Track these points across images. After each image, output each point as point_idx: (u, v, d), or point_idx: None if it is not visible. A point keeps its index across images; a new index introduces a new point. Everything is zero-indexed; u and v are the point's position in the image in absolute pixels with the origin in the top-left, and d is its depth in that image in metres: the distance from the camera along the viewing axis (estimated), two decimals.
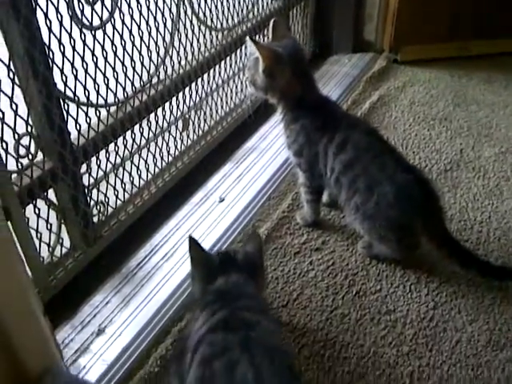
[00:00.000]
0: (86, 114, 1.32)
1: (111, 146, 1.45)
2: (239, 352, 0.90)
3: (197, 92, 1.79)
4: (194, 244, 1.14)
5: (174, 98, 1.67)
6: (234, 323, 0.97)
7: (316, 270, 1.45)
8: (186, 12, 1.61)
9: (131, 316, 1.33)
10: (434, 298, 1.36)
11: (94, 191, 1.43)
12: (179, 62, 1.64)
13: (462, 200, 1.67)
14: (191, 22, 1.65)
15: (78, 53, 1.24)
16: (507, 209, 1.64)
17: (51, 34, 1.16)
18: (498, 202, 1.67)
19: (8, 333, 0.86)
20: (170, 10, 1.53)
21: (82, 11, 1.21)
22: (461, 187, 1.73)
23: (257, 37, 2.03)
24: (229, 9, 1.84)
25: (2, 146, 1.09)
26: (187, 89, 1.72)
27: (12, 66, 1.10)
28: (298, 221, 1.60)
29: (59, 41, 1.18)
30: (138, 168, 1.56)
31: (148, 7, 1.43)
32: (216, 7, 1.77)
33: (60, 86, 1.22)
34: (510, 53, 2.53)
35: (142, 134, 1.55)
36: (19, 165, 1.17)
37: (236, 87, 2.01)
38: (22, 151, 1.17)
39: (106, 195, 1.47)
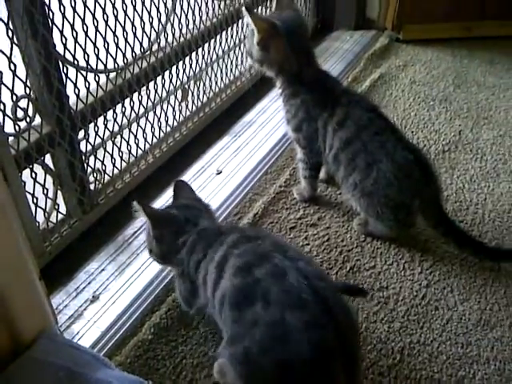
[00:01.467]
0: (85, 79, 1.30)
1: (109, 113, 1.43)
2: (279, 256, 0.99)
3: (197, 62, 1.76)
4: (146, 206, 1.14)
5: (174, 67, 1.65)
6: (251, 238, 1.07)
7: (311, 245, 1.45)
8: None
9: (126, 284, 1.33)
10: (427, 277, 1.37)
11: (92, 158, 1.42)
12: (180, 30, 1.62)
13: (458, 181, 1.68)
14: None
15: (78, 14, 1.21)
16: (503, 191, 1.64)
17: None
18: (495, 184, 1.67)
19: (3, 295, 0.85)
20: None
21: None
22: (458, 168, 1.73)
23: (260, 8, 2.00)
24: None
25: None
26: (187, 58, 1.70)
27: (11, 25, 1.07)
28: (294, 196, 1.60)
29: (59, 1, 1.15)
30: (135, 137, 1.55)
31: None
32: None
33: (60, 48, 1.20)
34: None
35: (140, 102, 1.53)
36: (16, 127, 1.15)
37: (236, 59, 1.99)
38: (20, 114, 1.16)
39: (103, 163, 1.46)
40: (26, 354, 0.92)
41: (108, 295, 1.30)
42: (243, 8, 1.35)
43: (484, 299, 1.32)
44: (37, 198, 1.26)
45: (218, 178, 1.68)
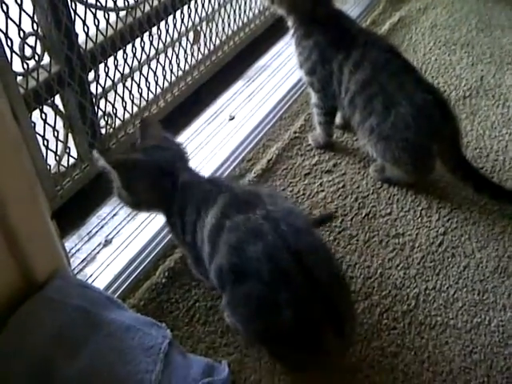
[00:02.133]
0: (95, 17, 1.25)
1: (120, 54, 1.38)
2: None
3: (209, 2, 1.69)
4: (108, 155, 1.08)
5: (186, 7, 1.58)
6: (240, 205, 0.99)
7: (326, 191, 1.43)
8: None
9: (138, 229, 1.32)
10: (444, 224, 1.34)
11: (102, 101, 1.38)
12: None
13: (479, 127, 1.62)
14: None
15: None
16: None
17: None
18: None
19: (16, 231, 0.84)
20: None
21: None
22: (479, 115, 1.67)
23: None
24: None
25: (7, 43, 1.03)
26: None
27: None
28: (309, 142, 1.56)
29: None
30: (146, 80, 1.51)
31: None
32: None
33: None
34: None
35: (151, 43, 1.48)
36: (25, 66, 1.12)
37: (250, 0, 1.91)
38: (28, 52, 1.12)
39: (113, 106, 1.42)
40: (39, 294, 0.92)
41: (120, 239, 1.29)
42: None
43: (502, 247, 1.29)
44: (47, 141, 1.23)
45: (231, 123, 1.64)
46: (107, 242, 1.29)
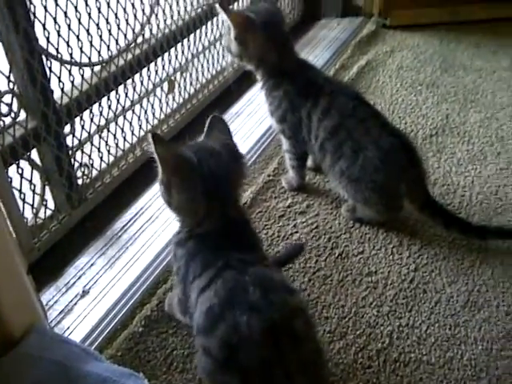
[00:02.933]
0: (70, 73, 1.30)
1: (95, 107, 1.43)
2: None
3: (183, 53, 1.76)
4: (160, 143, 0.95)
5: (160, 59, 1.64)
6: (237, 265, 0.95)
7: (300, 232, 1.46)
8: None
9: (116, 278, 1.33)
10: (415, 260, 1.38)
11: (78, 153, 1.42)
12: (165, 21, 1.61)
13: (446, 165, 1.69)
14: None
15: (60, 7, 1.21)
16: (490, 173, 1.65)
17: None
18: (482, 166, 1.68)
19: None
20: None
21: None
22: (445, 152, 1.74)
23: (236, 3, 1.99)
24: None
25: None
26: (173, 49, 1.70)
27: None
28: (283, 185, 1.61)
29: None
30: (122, 130, 1.55)
31: None
32: None
33: (43, 42, 1.20)
34: (501, 18, 2.51)
35: (126, 95, 1.53)
36: (1, 123, 1.15)
37: (222, 49, 1.98)
38: (5, 109, 1.16)
39: (90, 157, 1.45)
40: (16, 350, 0.92)
41: (98, 289, 1.30)
42: (217, 5, 1.35)
43: (471, 281, 1.33)
44: (24, 194, 1.26)
45: None
46: (85, 293, 1.30)
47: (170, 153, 0.98)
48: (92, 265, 1.37)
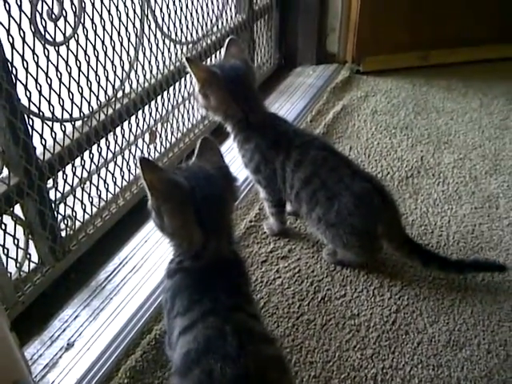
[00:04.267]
0: (52, 129, 1.33)
1: (77, 161, 1.46)
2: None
3: (163, 105, 1.81)
4: (149, 166, 0.94)
5: (140, 112, 1.69)
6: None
7: (282, 277, 1.48)
8: (150, 26, 1.63)
9: (100, 329, 1.33)
10: (396, 302, 1.40)
11: (62, 206, 1.44)
12: (144, 76, 1.67)
13: (422, 206, 1.73)
14: (155, 35, 1.67)
15: (41, 68, 1.25)
16: (466, 213, 1.70)
17: (14, 50, 1.17)
18: (457, 206, 1.73)
19: None
20: (133, 24, 1.55)
21: (45, 27, 1.23)
22: (421, 193, 1.79)
23: (218, 52, 2.06)
24: (193, 22, 1.88)
25: None
26: (153, 102, 1.74)
27: None
28: (265, 230, 1.63)
29: (22, 57, 1.19)
30: (105, 182, 1.58)
31: (111, 22, 1.45)
32: (180, 21, 1.80)
33: (24, 101, 1.23)
34: (469, 62, 2.63)
35: (108, 147, 1.56)
36: None
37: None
38: None
39: (73, 209, 1.47)
40: None
41: (83, 342, 1.30)
42: (184, 59, 1.38)
43: (452, 320, 1.35)
44: (7, 249, 1.27)
45: None
46: (69, 346, 1.30)
47: (160, 178, 0.96)
48: (76, 317, 1.37)
